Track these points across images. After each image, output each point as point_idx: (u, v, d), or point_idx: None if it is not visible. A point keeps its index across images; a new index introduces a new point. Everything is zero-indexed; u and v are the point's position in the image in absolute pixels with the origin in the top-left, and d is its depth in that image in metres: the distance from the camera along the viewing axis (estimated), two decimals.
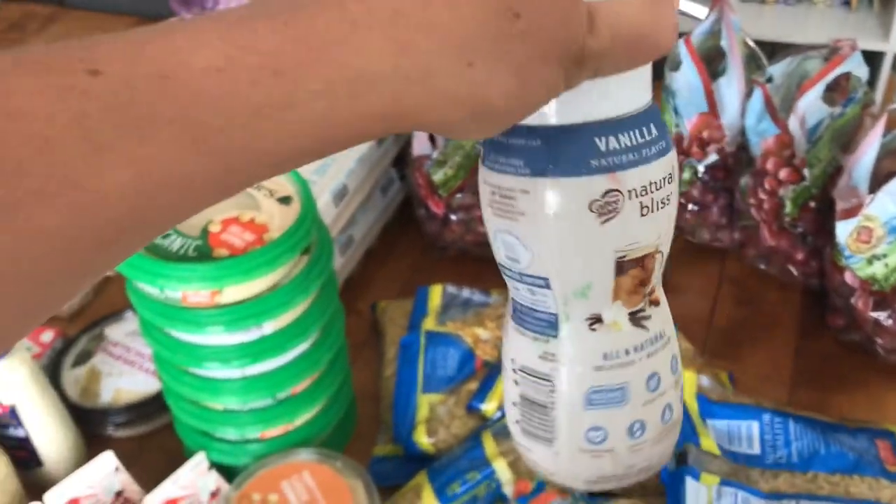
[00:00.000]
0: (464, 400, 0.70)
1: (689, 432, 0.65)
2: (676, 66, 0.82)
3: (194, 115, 0.22)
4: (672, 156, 0.33)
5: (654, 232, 0.33)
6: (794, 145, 0.76)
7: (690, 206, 0.86)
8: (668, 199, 0.33)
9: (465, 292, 0.81)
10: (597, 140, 0.31)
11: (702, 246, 0.88)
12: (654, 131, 0.32)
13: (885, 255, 0.70)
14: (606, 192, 0.31)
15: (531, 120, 0.31)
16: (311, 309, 0.62)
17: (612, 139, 0.31)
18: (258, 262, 0.56)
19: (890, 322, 0.72)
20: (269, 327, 0.59)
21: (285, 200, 0.61)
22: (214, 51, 0.22)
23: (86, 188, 0.21)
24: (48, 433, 0.68)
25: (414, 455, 0.69)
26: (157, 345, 0.62)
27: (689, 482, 0.61)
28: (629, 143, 0.31)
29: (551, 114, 0.31)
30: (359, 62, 0.24)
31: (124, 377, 0.76)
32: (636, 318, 0.35)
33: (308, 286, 0.60)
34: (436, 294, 0.80)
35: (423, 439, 0.68)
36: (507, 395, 0.39)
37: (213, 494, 0.64)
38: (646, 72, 0.32)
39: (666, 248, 0.35)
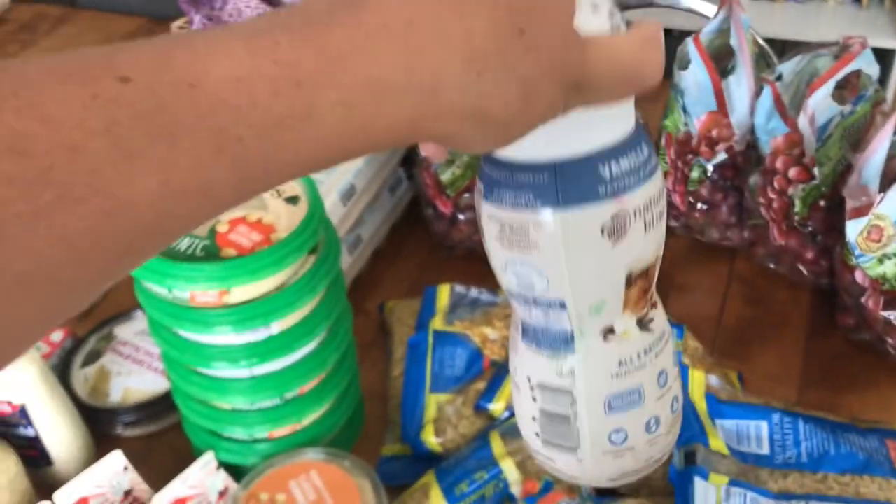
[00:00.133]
0: (472, 399, 0.70)
1: (697, 432, 0.65)
2: (685, 64, 0.82)
3: (217, 124, 0.22)
4: (659, 170, 0.35)
5: (656, 244, 0.36)
6: (804, 144, 0.76)
7: (699, 205, 0.85)
8: (663, 211, 0.35)
9: (473, 292, 0.81)
10: (601, 168, 0.33)
11: (711, 245, 0.88)
12: (645, 149, 0.34)
13: (895, 255, 0.69)
14: (615, 215, 0.33)
15: (535, 156, 0.32)
16: (318, 308, 0.62)
17: (614, 165, 0.33)
18: (266, 262, 0.56)
19: None
20: (276, 327, 0.59)
21: (293, 200, 0.61)
22: (237, 61, 0.23)
23: (113, 195, 0.21)
24: (58, 432, 0.68)
25: (422, 455, 0.69)
26: (166, 344, 0.62)
27: (698, 482, 0.61)
28: (630, 166, 0.33)
29: (555, 149, 0.32)
30: (374, 72, 0.24)
31: (133, 376, 0.76)
32: (643, 323, 0.37)
33: (315, 286, 0.60)
34: (444, 294, 0.80)
35: (431, 439, 0.68)
36: (523, 411, 0.41)
37: (222, 494, 0.64)
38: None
39: (661, 252, 0.37)
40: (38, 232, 0.20)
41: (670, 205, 0.87)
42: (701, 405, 0.67)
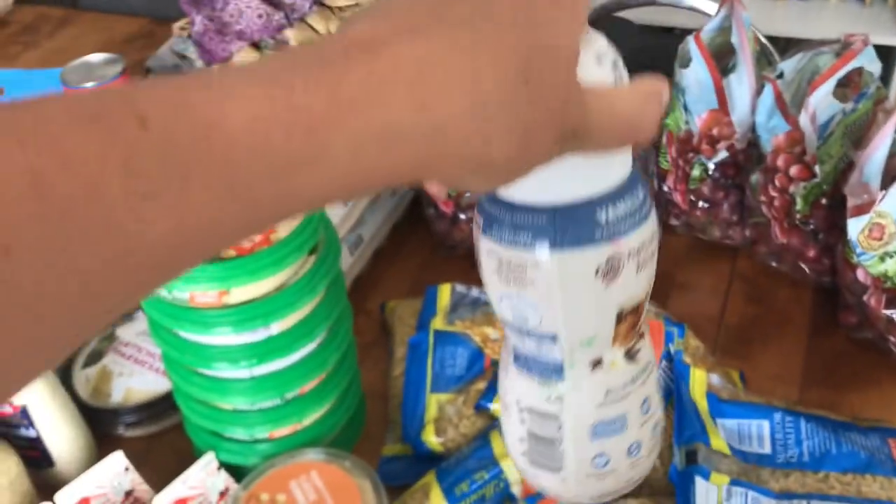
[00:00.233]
0: (472, 399, 0.70)
1: (699, 431, 0.64)
2: (686, 62, 0.81)
3: (230, 166, 0.23)
4: (653, 212, 0.36)
5: (646, 282, 0.37)
6: (805, 142, 0.75)
7: (701, 204, 0.85)
8: (655, 251, 0.37)
9: (475, 291, 0.80)
10: (598, 213, 0.34)
11: (712, 243, 0.87)
12: (641, 193, 0.35)
13: None
14: (610, 258, 0.34)
15: (535, 199, 0.34)
16: (318, 309, 0.62)
17: (611, 209, 0.34)
18: (265, 262, 0.56)
19: None
20: (276, 327, 0.59)
21: None
22: (254, 105, 0.23)
23: (128, 234, 0.21)
24: (59, 433, 0.68)
25: (423, 455, 0.69)
26: (166, 345, 0.62)
27: (699, 482, 0.61)
28: (626, 211, 0.34)
29: (553, 194, 0.33)
30: (383, 119, 0.25)
31: (135, 377, 0.76)
32: (630, 354, 0.39)
33: (315, 286, 0.60)
34: (445, 293, 0.80)
35: (431, 439, 0.68)
36: (511, 431, 0.42)
37: (223, 494, 0.64)
38: None
39: (650, 290, 0.38)
40: (54, 270, 0.20)
41: (672, 203, 0.87)
42: (702, 404, 0.67)
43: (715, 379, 0.70)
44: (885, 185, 0.69)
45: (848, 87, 0.78)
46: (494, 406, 0.68)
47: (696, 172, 0.84)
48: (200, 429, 0.67)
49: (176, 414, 0.72)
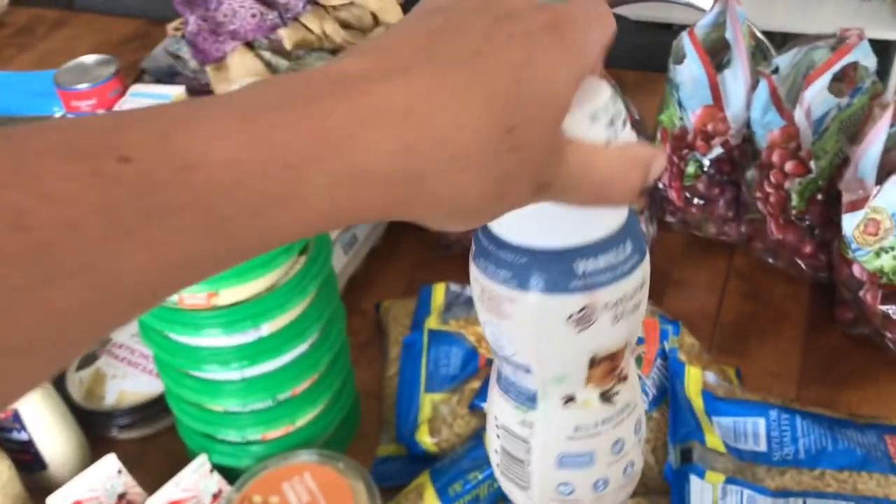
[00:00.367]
0: (467, 399, 0.69)
1: (693, 429, 0.64)
2: (680, 58, 0.81)
3: (209, 204, 0.23)
4: (645, 263, 0.36)
5: (624, 333, 0.37)
6: (800, 137, 0.75)
7: (696, 200, 0.85)
8: (639, 304, 0.36)
9: (469, 290, 0.80)
10: (576, 263, 0.34)
11: (708, 240, 0.87)
12: (629, 247, 0.35)
13: (892, 248, 0.69)
14: (584, 307, 0.34)
15: (519, 240, 0.34)
16: (309, 309, 0.61)
17: (590, 262, 0.34)
18: (254, 263, 0.56)
19: None
20: (266, 329, 0.59)
21: None
22: (234, 143, 0.24)
23: (104, 270, 0.22)
24: (51, 436, 0.68)
25: (417, 455, 0.68)
26: (157, 347, 0.62)
27: (694, 480, 0.60)
28: (606, 265, 0.34)
29: (536, 238, 0.34)
30: (363, 160, 0.25)
31: (129, 379, 0.76)
32: (606, 396, 0.39)
33: (306, 287, 0.60)
34: (439, 292, 0.80)
35: (425, 439, 0.68)
36: (489, 441, 0.43)
37: (216, 496, 0.64)
38: None
39: (635, 335, 0.38)
40: (29, 305, 0.21)
41: (667, 200, 0.87)
42: (697, 402, 0.67)
43: (710, 376, 0.69)
44: (880, 181, 0.68)
45: (843, 81, 0.77)
46: (488, 406, 0.68)
47: (690, 169, 0.83)
48: (193, 431, 0.66)
49: (170, 416, 0.72)
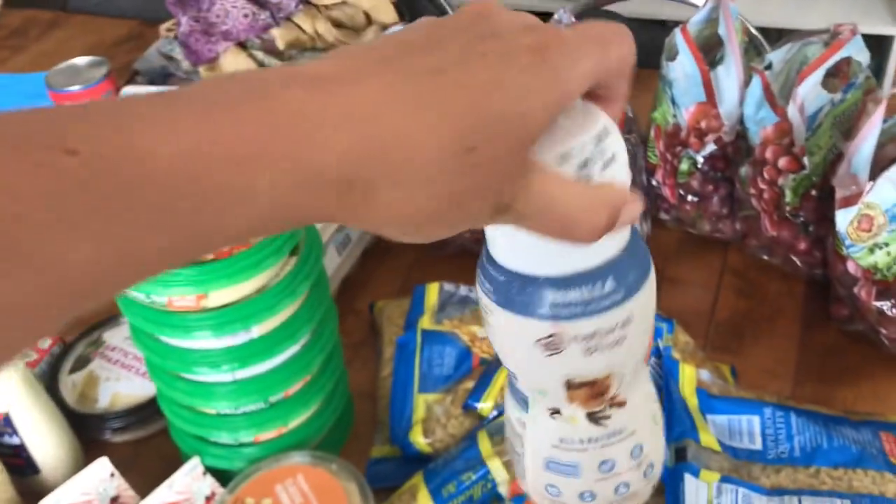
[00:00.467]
0: (460, 399, 0.69)
1: (688, 428, 0.64)
2: (673, 55, 0.81)
3: (155, 198, 0.23)
4: (633, 302, 0.35)
5: (603, 365, 0.36)
6: (794, 133, 0.75)
7: (690, 197, 0.85)
8: (622, 340, 0.35)
9: (463, 290, 0.80)
10: (545, 292, 0.33)
11: (702, 237, 0.87)
12: (608, 285, 0.34)
13: (886, 244, 0.68)
14: (552, 335, 0.34)
15: (501, 258, 0.34)
16: (300, 311, 0.61)
17: (559, 294, 0.33)
18: (244, 265, 0.56)
19: (894, 312, 0.70)
20: (257, 331, 0.59)
21: None
22: (183, 138, 0.23)
23: (50, 263, 0.21)
24: (43, 440, 0.67)
25: (411, 455, 0.68)
26: (148, 350, 0.61)
27: (689, 479, 0.60)
28: (575, 299, 0.33)
29: (513, 260, 0.34)
30: (312, 162, 0.25)
31: (122, 381, 0.76)
32: (594, 418, 0.39)
33: (296, 288, 0.60)
34: (432, 292, 0.79)
35: (419, 439, 0.68)
36: (507, 422, 0.44)
37: (209, 499, 0.64)
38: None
39: (628, 368, 0.38)
40: None
41: (661, 197, 0.86)
42: (692, 400, 0.66)
43: (705, 374, 0.69)
44: (873, 176, 0.68)
45: (837, 77, 0.77)
46: (482, 405, 0.68)
47: (684, 166, 0.83)
48: (185, 434, 0.66)
49: (163, 419, 0.72)
